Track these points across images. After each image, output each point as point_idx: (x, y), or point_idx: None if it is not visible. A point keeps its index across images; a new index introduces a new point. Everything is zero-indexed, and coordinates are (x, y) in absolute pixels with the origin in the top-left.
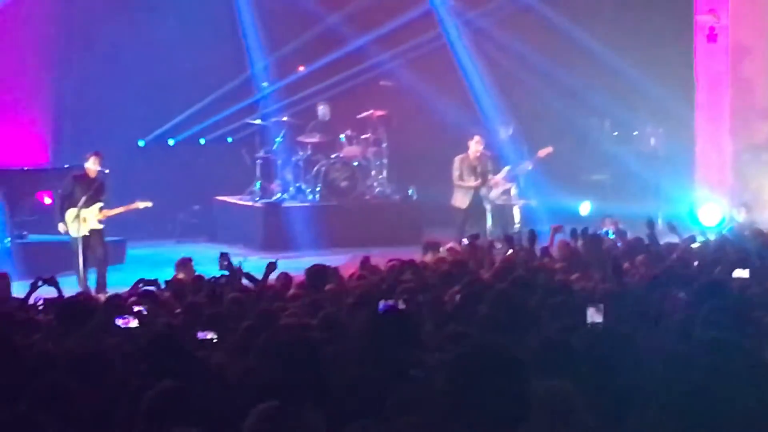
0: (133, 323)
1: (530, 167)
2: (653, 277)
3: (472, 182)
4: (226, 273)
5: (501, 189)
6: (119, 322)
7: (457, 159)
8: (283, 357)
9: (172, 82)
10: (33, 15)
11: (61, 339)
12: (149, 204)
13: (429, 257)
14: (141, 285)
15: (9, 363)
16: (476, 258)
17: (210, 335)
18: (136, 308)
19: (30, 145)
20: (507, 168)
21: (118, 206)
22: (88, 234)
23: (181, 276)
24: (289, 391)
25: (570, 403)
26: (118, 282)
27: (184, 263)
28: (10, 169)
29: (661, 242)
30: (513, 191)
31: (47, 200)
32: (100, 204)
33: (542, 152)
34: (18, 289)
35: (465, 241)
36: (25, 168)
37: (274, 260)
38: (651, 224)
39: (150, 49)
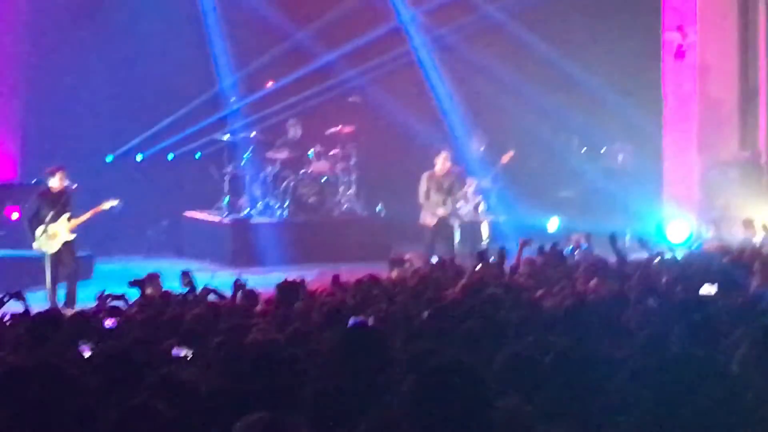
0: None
1: (489, 185)
2: (620, 293)
3: (440, 208)
4: (189, 290)
5: (471, 204)
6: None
7: (425, 176)
8: (252, 372)
9: (140, 98)
10: (0, 31)
11: (28, 354)
12: (114, 203)
13: (395, 273)
14: (109, 299)
15: None
16: (445, 274)
17: (184, 352)
18: (106, 322)
19: None
20: (474, 181)
21: (84, 213)
22: (59, 249)
23: (148, 291)
24: (258, 406)
25: (530, 421)
26: (86, 298)
27: (152, 279)
28: None
29: (630, 258)
30: (481, 207)
31: (14, 215)
32: (68, 215)
33: (505, 158)
34: None
35: (434, 258)
36: None
37: (240, 278)
38: (614, 239)
39: (118, 64)
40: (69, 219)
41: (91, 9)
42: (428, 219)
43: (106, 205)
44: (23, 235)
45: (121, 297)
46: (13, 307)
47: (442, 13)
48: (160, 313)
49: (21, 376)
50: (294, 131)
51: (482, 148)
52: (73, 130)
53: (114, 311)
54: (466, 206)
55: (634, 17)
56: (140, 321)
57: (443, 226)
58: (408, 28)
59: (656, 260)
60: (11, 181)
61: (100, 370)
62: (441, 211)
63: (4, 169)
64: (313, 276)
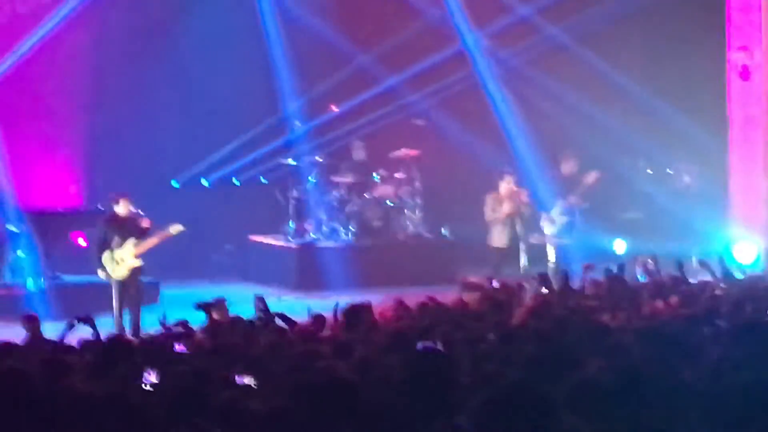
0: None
1: (578, 201)
2: (687, 316)
3: (506, 209)
4: (262, 316)
5: (558, 225)
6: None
7: (489, 197)
8: (320, 399)
9: (205, 123)
10: (65, 58)
11: (96, 381)
12: (181, 228)
13: (467, 297)
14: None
15: (43, 406)
16: (511, 297)
17: (248, 380)
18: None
19: (63, 186)
20: (560, 202)
21: (150, 239)
22: (126, 274)
23: (215, 316)
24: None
25: None
26: (152, 323)
27: (219, 303)
28: (44, 210)
29: (696, 280)
30: (549, 230)
31: (81, 241)
32: (134, 240)
33: (589, 178)
34: (52, 330)
35: (495, 282)
36: (59, 209)
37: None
38: (680, 266)
39: (183, 89)
40: (136, 245)
41: (154, 36)
42: (497, 240)
43: (173, 231)
44: (90, 260)
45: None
46: (82, 332)
47: (505, 36)
48: (228, 340)
49: (89, 404)
50: (358, 153)
51: (572, 169)
52: (138, 155)
53: (182, 337)
54: (551, 227)
55: (699, 37)
56: (208, 347)
57: (511, 249)
58: (472, 50)
59: (724, 282)
60: (77, 208)
61: (166, 398)
62: (506, 209)
63: (70, 196)
64: (379, 300)
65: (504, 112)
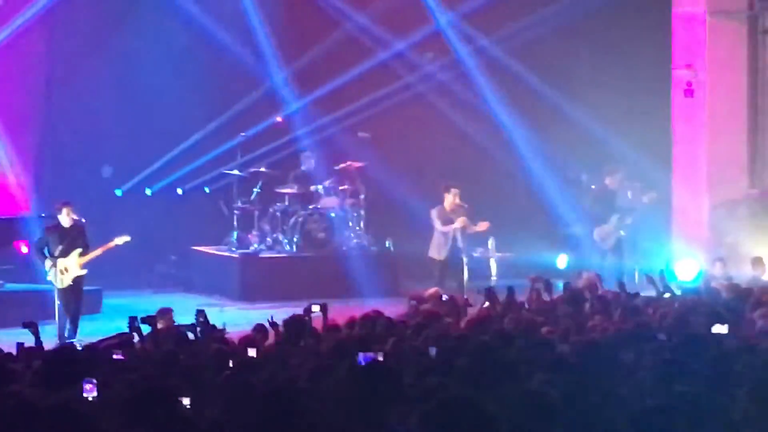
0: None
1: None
2: (629, 331)
3: (456, 224)
4: (202, 329)
5: (614, 237)
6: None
7: (434, 210)
8: (261, 409)
9: (150, 132)
10: (13, 65)
11: (41, 390)
12: (127, 239)
13: (412, 310)
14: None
15: None
16: (453, 311)
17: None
18: (114, 356)
19: (8, 194)
20: (615, 217)
21: (96, 248)
22: (71, 283)
23: (160, 326)
24: None
25: None
26: (95, 332)
27: (164, 313)
28: None
29: (639, 295)
30: (491, 244)
31: (24, 249)
32: (79, 250)
33: (647, 198)
34: None
35: (445, 296)
36: (1, 217)
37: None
38: (651, 279)
39: (129, 99)
40: (81, 254)
41: (100, 47)
42: (436, 252)
43: (119, 241)
44: (33, 269)
45: (137, 329)
46: (25, 337)
47: (447, 50)
48: (169, 349)
49: (35, 413)
50: (308, 163)
51: (619, 180)
52: (83, 164)
53: (124, 346)
54: (606, 240)
55: (643, 55)
56: (150, 358)
57: (453, 261)
58: (417, 61)
59: (668, 299)
60: (20, 215)
61: (111, 407)
62: (457, 224)
63: (18, 204)
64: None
65: (449, 126)
